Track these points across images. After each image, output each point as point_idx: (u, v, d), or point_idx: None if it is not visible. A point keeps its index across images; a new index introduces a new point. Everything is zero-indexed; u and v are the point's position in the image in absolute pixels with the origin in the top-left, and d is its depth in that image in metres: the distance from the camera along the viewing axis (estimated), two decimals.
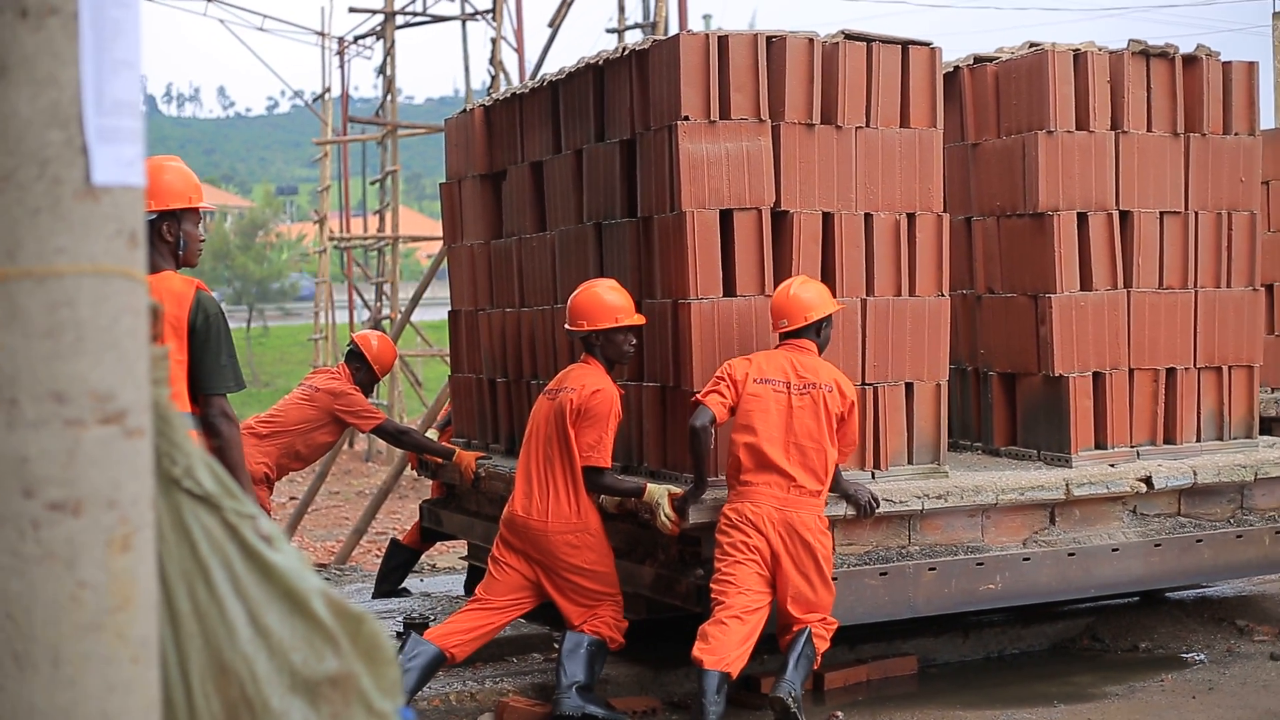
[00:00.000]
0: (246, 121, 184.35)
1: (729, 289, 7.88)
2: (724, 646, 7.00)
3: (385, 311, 21.13)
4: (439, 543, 11.28)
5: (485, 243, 10.04)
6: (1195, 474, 8.60)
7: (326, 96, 25.42)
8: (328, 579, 11.30)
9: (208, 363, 5.82)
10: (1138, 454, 8.79)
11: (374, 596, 10.49)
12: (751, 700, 7.76)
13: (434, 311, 45.96)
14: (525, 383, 9.53)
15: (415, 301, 14.74)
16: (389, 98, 20.72)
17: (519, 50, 19.25)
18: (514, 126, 9.68)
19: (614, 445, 8.00)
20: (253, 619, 2.38)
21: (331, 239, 24.16)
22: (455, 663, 7.70)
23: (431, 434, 10.48)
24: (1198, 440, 9.01)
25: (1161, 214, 8.91)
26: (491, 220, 10.02)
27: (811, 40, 8.06)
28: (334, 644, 2.42)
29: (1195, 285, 9.00)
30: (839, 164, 8.09)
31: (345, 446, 23.59)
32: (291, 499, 16.81)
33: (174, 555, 2.36)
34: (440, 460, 9.79)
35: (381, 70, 20.85)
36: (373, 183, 22.59)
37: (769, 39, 8.01)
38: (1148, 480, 8.47)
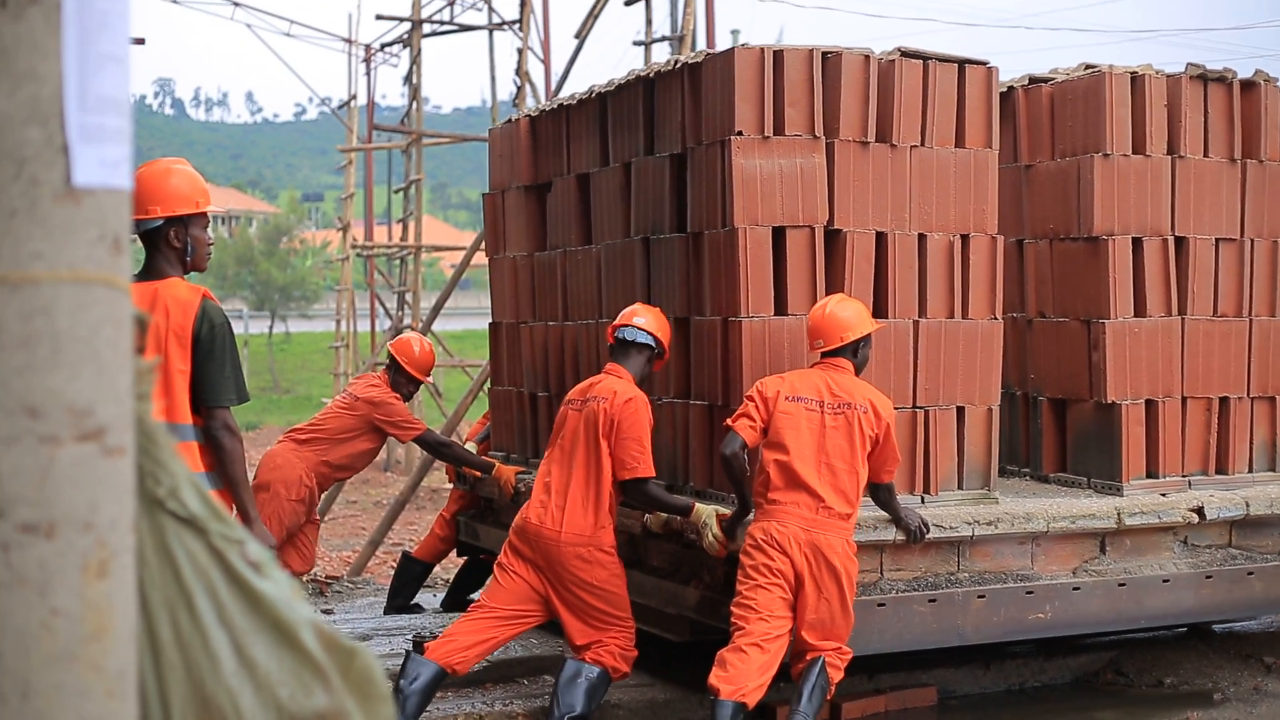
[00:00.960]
0: (274, 127, 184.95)
1: (780, 307, 7.77)
2: (742, 675, 6.83)
3: (406, 320, 21.11)
4: (461, 555, 11.10)
5: (528, 255, 9.94)
6: (1248, 505, 8.45)
7: (352, 104, 25.43)
8: (338, 591, 11.21)
9: (211, 373, 5.72)
10: (1189, 483, 8.66)
11: (386, 612, 10.39)
12: None
13: (456, 321, 45.94)
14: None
15: (436, 311, 14.68)
16: (414, 106, 20.70)
17: (545, 61, 19.23)
18: (560, 138, 9.58)
19: (660, 464, 7.91)
20: (238, 650, 2.25)
21: (354, 247, 24.18)
22: (458, 676, 7.52)
23: (470, 447, 10.37)
24: (1249, 470, 8.88)
25: (1217, 240, 8.79)
26: (535, 232, 9.92)
27: (867, 57, 7.96)
28: (324, 679, 2.29)
29: (1250, 313, 8.87)
30: (893, 183, 7.98)
31: None
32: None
33: (156, 581, 2.24)
34: (479, 474, 9.69)
35: (408, 78, 20.83)
36: (396, 191, 22.60)
37: (824, 55, 7.91)
38: (1200, 510, 8.34)
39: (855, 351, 7.38)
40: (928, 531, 7.59)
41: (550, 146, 9.72)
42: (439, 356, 25.02)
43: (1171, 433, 8.62)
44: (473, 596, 10.17)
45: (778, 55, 7.79)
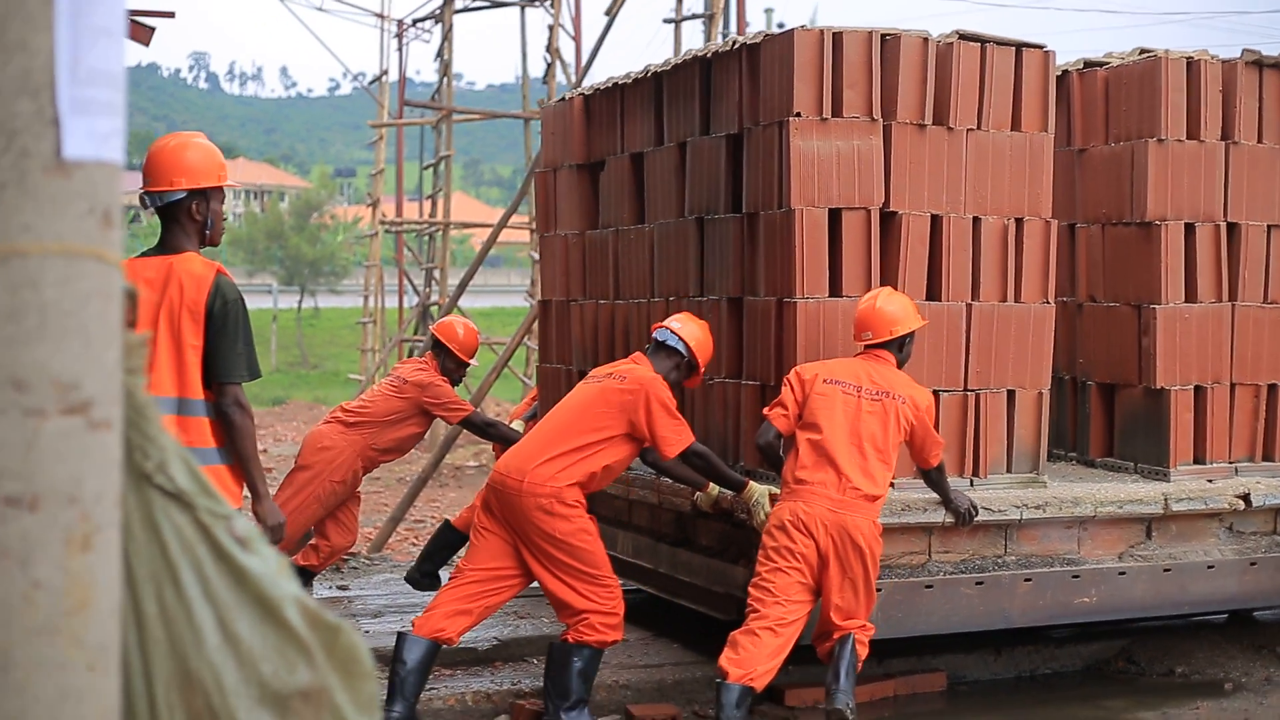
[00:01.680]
0: (308, 102, 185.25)
1: (835, 289, 7.82)
2: (753, 659, 6.84)
3: (434, 297, 21.09)
4: None
5: (580, 233, 9.99)
6: None
7: (384, 79, 25.45)
8: (354, 568, 11.15)
9: (224, 349, 5.70)
10: (1236, 470, 8.69)
11: (408, 576, 10.21)
12: (775, 713, 7.69)
13: (484, 299, 45.93)
14: None
15: (462, 288, 14.64)
16: (445, 82, 20.71)
17: (576, 38, 19.26)
18: (614, 116, 9.62)
19: (711, 444, 7.98)
20: (222, 625, 2.24)
21: (382, 223, 24.18)
22: (452, 645, 7.41)
23: (517, 425, 10.43)
24: None
25: (1269, 227, 8.80)
26: (587, 210, 9.97)
27: (925, 40, 7.99)
28: (307, 655, 2.28)
29: None
30: (949, 166, 8.02)
31: None
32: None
33: (143, 555, 2.22)
34: None
35: (439, 54, 20.85)
36: (426, 167, 22.60)
37: (883, 37, 7.94)
38: (1246, 497, 8.37)
39: (901, 346, 7.43)
40: (976, 514, 7.64)
41: (604, 125, 9.77)
42: None
43: (1220, 419, 8.64)
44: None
45: (836, 37, 7.82)
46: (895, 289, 7.82)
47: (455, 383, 9.72)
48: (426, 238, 22.53)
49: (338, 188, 75.42)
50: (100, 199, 2.00)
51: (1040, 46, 8.23)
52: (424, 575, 10.00)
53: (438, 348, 9.66)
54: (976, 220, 8.07)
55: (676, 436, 7.24)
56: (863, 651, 7.09)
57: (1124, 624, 8.87)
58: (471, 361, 9.81)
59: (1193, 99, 8.59)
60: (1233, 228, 8.71)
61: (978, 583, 7.82)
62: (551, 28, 18.19)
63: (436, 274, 20.95)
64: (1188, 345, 8.56)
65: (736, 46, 8.31)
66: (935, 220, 8.00)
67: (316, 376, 37.93)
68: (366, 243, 27.71)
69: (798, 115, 7.72)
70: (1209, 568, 8.32)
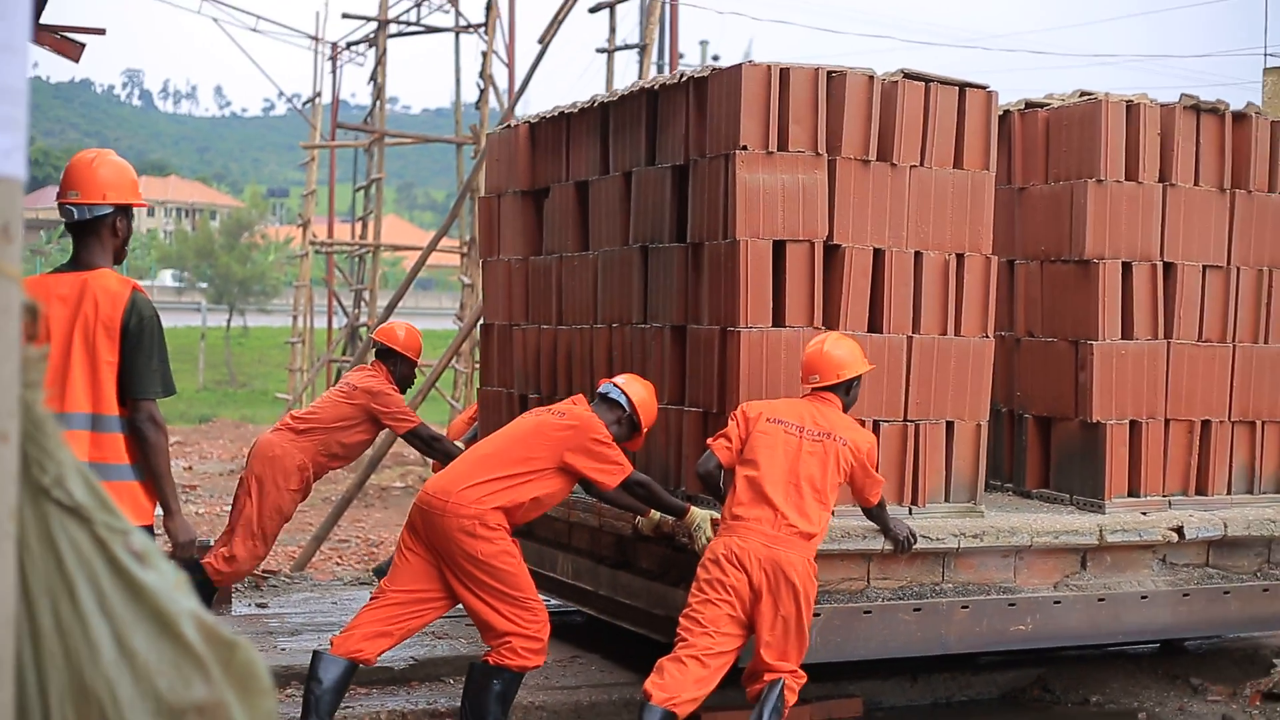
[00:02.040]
0: (242, 122, 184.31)
1: (778, 319, 7.92)
2: (678, 685, 6.87)
3: (363, 319, 21.12)
4: None
5: (524, 259, 10.07)
6: (1226, 526, 8.65)
7: (317, 101, 25.47)
8: (274, 586, 11.14)
9: (139, 366, 5.71)
10: (1169, 503, 8.85)
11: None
12: None
13: (416, 322, 45.84)
14: (558, 399, 9.55)
15: (391, 308, 14.74)
16: (378, 105, 20.79)
17: (510, 65, 19.39)
18: (559, 145, 9.71)
19: (653, 469, 8.06)
20: (118, 639, 2.22)
21: (313, 243, 24.17)
22: (370, 666, 7.36)
23: (459, 444, 10.48)
24: (1228, 493, 9.08)
25: (1205, 267, 8.98)
26: (531, 236, 10.04)
27: (871, 77, 8.12)
28: (203, 670, 2.25)
29: (1234, 339, 9.06)
30: (892, 201, 8.14)
31: None
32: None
33: (39, 569, 2.21)
34: None
35: (373, 78, 20.95)
36: (358, 189, 22.68)
37: (829, 74, 8.07)
38: (1179, 530, 8.53)
39: (848, 390, 7.51)
40: (915, 542, 7.75)
41: (549, 153, 9.85)
42: None
43: (1154, 453, 8.80)
44: None
45: (784, 73, 7.94)
46: (838, 320, 7.95)
47: (406, 387, 9.77)
48: (357, 259, 22.58)
49: (270, 208, 75.21)
50: (2, 213, 1.99)
51: (983, 87, 8.38)
52: None
53: (383, 353, 9.71)
54: (918, 254, 8.20)
55: (615, 468, 7.30)
56: (791, 698, 7.09)
57: (1041, 652, 8.94)
58: (418, 361, 9.86)
59: (1131, 141, 8.76)
60: (1169, 267, 8.88)
61: (915, 609, 7.93)
62: (485, 54, 18.30)
63: (366, 295, 20.96)
64: (1124, 380, 8.72)
65: (683, 79, 8.41)
66: (878, 254, 8.12)
67: (244, 395, 37.81)
68: (297, 263, 27.72)
69: (744, 148, 7.83)
70: (1143, 598, 8.46)
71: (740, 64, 7.97)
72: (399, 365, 9.69)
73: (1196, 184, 8.94)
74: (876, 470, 7.45)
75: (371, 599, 7.39)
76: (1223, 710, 8.50)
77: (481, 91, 18.31)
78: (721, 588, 6.96)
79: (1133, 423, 8.77)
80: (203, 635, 2.26)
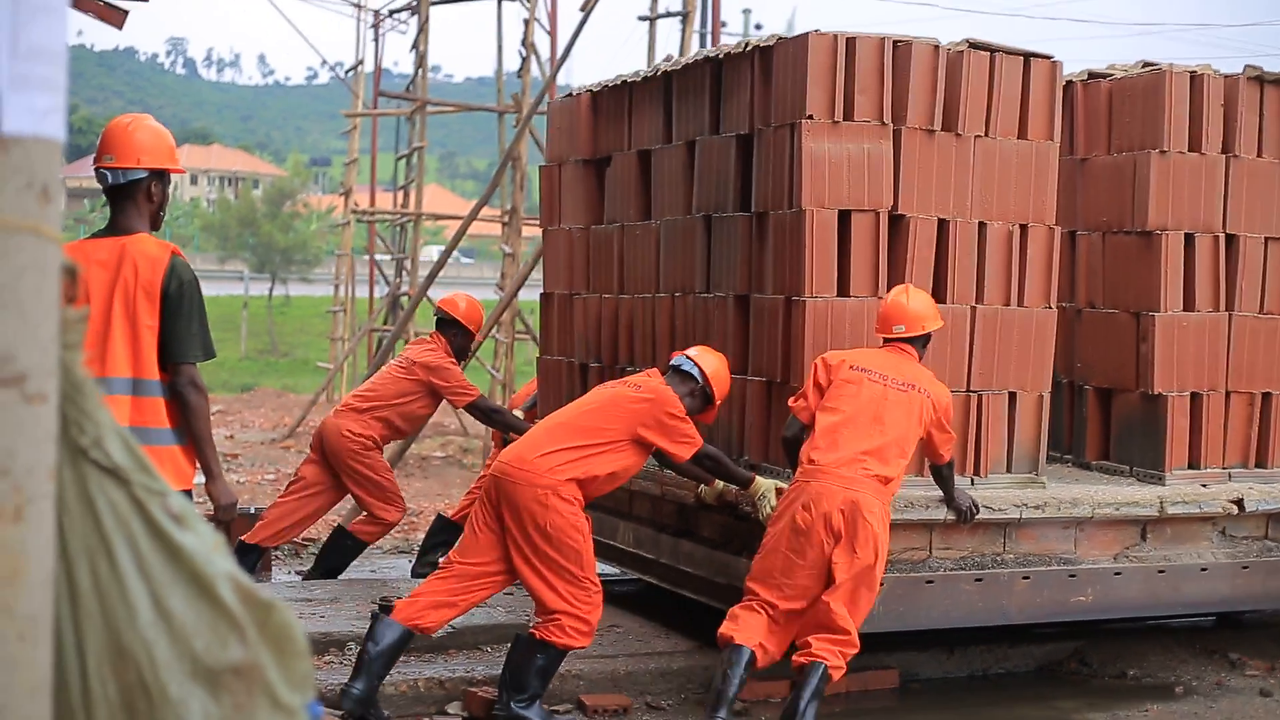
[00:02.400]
0: (285, 90, 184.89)
1: (843, 289, 7.96)
2: (753, 630, 6.98)
3: (405, 288, 21.13)
4: None
5: (585, 228, 10.11)
6: None
7: (360, 69, 25.47)
8: (314, 554, 10.90)
9: (179, 330, 5.72)
10: (1229, 475, 8.86)
11: (413, 574, 10.40)
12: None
13: (451, 289, 45.76)
14: (620, 369, 9.61)
15: (431, 278, 14.72)
16: (420, 73, 20.73)
17: (552, 33, 19.32)
18: (622, 113, 9.75)
19: (716, 437, 8.12)
20: (155, 601, 2.23)
21: (355, 212, 24.13)
22: (429, 635, 7.41)
23: (517, 414, 10.55)
24: None
25: (1266, 240, 8.97)
26: (593, 205, 10.09)
27: (937, 47, 8.14)
28: (240, 632, 2.26)
29: None
30: (957, 172, 8.17)
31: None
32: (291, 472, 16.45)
33: (77, 529, 2.22)
34: None
35: (415, 46, 20.86)
36: (400, 158, 22.62)
37: (895, 43, 8.09)
38: (1239, 502, 8.54)
39: (925, 343, 7.59)
40: (977, 512, 7.79)
41: (611, 121, 9.89)
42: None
43: (1214, 425, 8.82)
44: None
45: (850, 42, 7.96)
46: None
47: (466, 357, 9.84)
48: (399, 228, 22.58)
49: (312, 176, 75.36)
50: (39, 174, 2.02)
51: (1048, 56, 8.39)
52: (427, 568, 10.03)
53: (443, 324, 9.79)
54: (982, 225, 8.22)
55: (687, 442, 7.35)
56: (836, 674, 7.02)
57: (1078, 625, 8.96)
58: (478, 334, 9.93)
59: (1195, 112, 8.76)
60: (1231, 239, 8.88)
61: (977, 579, 7.97)
62: (527, 22, 18.27)
63: (407, 264, 20.97)
64: (1185, 352, 8.73)
65: (749, 49, 8.44)
66: (942, 224, 8.15)
67: (285, 364, 37.87)
68: (339, 232, 27.68)
69: (810, 118, 7.86)
70: (1202, 570, 8.49)
71: (807, 33, 7.99)
72: (458, 336, 9.77)
73: (1259, 156, 8.93)
74: (950, 428, 7.50)
75: (439, 569, 7.43)
76: (1260, 684, 8.53)
77: (523, 60, 18.29)
78: (798, 535, 7.02)
79: (1193, 395, 8.78)
80: (239, 597, 2.27)
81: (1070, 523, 8.23)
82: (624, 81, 9.74)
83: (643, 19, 14.83)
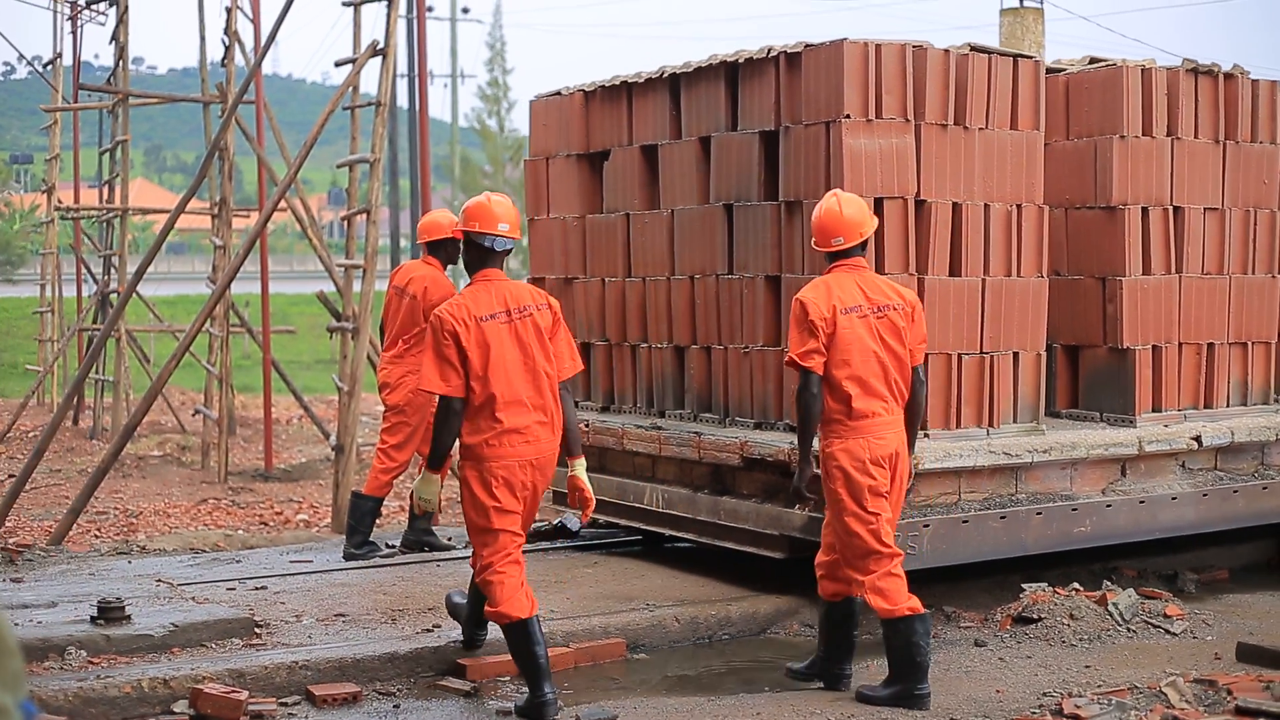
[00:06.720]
0: None
1: (877, 267, 8.97)
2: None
3: (113, 285, 20.64)
4: None
5: (580, 217, 10.97)
6: (1233, 434, 10.02)
7: (58, 62, 24.84)
8: (29, 560, 10.71)
9: None
10: (1185, 416, 10.18)
11: (345, 555, 10.53)
12: (459, 686, 7.76)
13: (166, 286, 44.39)
14: (626, 346, 10.56)
15: (140, 274, 14.45)
16: (121, 65, 19.95)
17: (255, 20, 18.84)
18: (620, 111, 10.63)
19: (754, 406, 9.15)
20: None
21: (58, 209, 23.65)
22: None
23: None
24: (1227, 405, 10.45)
25: (1205, 209, 10.31)
26: (587, 196, 10.96)
27: (947, 51, 9.23)
28: None
29: (1229, 271, 10.42)
30: (965, 160, 9.28)
31: (69, 424, 22.81)
32: (10, 476, 15.85)
33: None
34: None
35: (114, 37, 20.10)
36: (103, 152, 21.96)
37: (913, 49, 9.15)
38: (1198, 439, 9.86)
39: (863, 248, 7.55)
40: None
41: (609, 119, 10.76)
42: (148, 320, 24.71)
43: (1171, 374, 10.13)
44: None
45: (877, 49, 9.00)
46: (926, 266, 9.08)
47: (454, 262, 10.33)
48: (105, 225, 21.89)
49: (13, 174, 72.75)
50: None
51: (1030, 57, 9.56)
52: (359, 547, 10.48)
53: (437, 246, 10.52)
54: (986, 207, 9.35)
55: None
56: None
57: (803, 588, 8.92)
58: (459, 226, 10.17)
59: (1146, 102, 10.02)
60: (1178, 210, 10.19)
61: (1001, 517, 9.11)
62: (230, 10, 17.76)
63: (115, 261, 20.28)
64: (1147, 311, 10.01)
65: (771, 54, 9.40)
66: (955, 207, 9.26)
67: None
68: (43, 230, 26.90)
69: (848, 117, 8.88)
70: (1173, 499, 9.79)
71: (840, 40, 9.00)
72: (443, 249, 10.49)
73: (1196, 137, 10.25)
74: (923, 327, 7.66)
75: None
76: (975, 635, 8.84)
77: (227, 48, 18.07)
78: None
79: (1154, 348, 10.06)
80: None
81: (1068, 464, 9.43)
82: (622, 81, 10.62)
83: (347, 4, 14.57)
